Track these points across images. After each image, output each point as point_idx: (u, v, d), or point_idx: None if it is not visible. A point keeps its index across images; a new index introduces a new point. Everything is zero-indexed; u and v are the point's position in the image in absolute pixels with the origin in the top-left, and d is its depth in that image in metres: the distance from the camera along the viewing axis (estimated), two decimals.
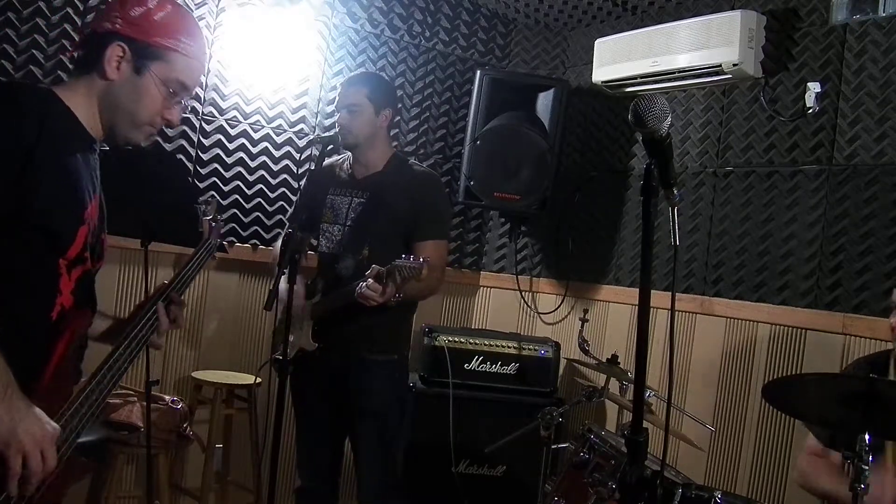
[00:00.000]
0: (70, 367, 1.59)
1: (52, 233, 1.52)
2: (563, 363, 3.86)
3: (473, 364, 3.69)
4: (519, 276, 4.35)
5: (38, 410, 1.43)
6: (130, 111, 1.64)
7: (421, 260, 2.52)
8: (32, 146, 1.46)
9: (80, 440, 1.54)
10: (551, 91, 3.94)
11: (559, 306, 4.19)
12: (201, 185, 3.57)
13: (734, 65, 3.24)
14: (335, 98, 3.04)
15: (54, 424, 1.46)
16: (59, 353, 1.54)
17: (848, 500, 1.97)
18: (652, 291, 1.54)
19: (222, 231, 3.61)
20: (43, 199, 1.48)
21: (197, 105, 3.57)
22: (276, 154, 3.79)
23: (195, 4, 3.53)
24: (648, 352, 1.54)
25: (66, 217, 1.54)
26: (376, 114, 2.90)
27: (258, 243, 3.76)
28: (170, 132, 3.50)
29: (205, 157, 3.60)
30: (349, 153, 3.02)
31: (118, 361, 1.63)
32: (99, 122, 1.63)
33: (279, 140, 3.80)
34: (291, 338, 2.84)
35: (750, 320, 3.33)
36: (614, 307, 3.93)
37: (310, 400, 2.98)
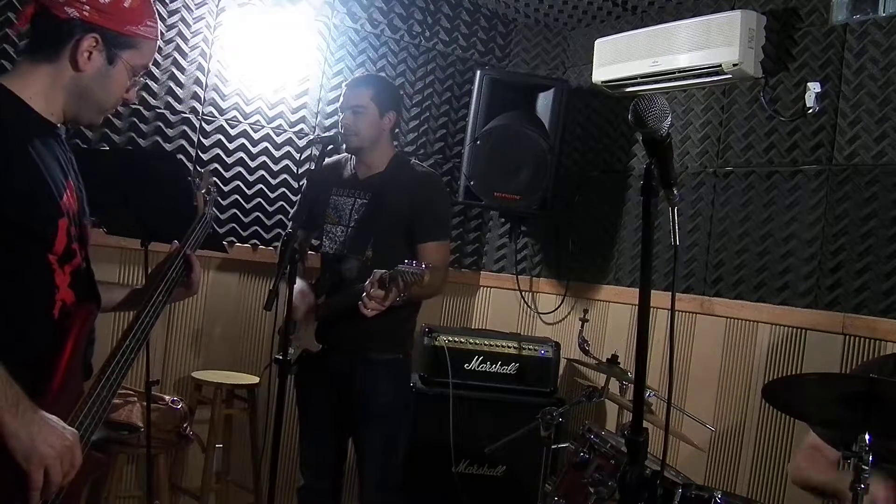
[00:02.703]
0: (80, 365, 1.57)
1: (32, 230, 1.48)
2: (563, 363, 3.86)
3: (473, 364, 3.69)
4: (519, 276, 4.35)
5: (53, 419, 1.41)
6: (99, 100, 1.60)
7: (423, 266, 2.52)
8: None
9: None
10: (551, 91, 3.94)
11: (559, 306, 4.19)
12: None
13: (734, 65, 3.24)
14: (336, 98, 3.05)
15: (72, 430, 1.44)
16: (69, 352, 1.51)
17: (839, 491, 1.99)
18: (652, 291, 1.54)
19: (222, 231, 3.62)
20: (14, 197, 1.44)
21: (197, 105, 3.57)
22: (276, 154, 3.79)
23: (195, 4, 3.53)
24: (648, 352, 1.54)
25: (41, 211, 1.49)
26: (380, 116, 2.91)
27: (258, 243, 3.76)
28: (170, 132, 3.50)
29: (205, 157, 3.60)
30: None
31: (127, 350, 1.60)
32: (60, 109, 1.58)
33: (279, 140, 3.80)
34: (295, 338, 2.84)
35: (750, 320, 3.33)
36: (614, 307, 3.93)
37: (314, 399, 2.98)
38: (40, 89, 1.54)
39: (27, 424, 1.37)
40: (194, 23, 3.54)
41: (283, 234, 3.73)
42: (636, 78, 3.65)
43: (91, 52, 1.55)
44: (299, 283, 2.79)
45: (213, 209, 2.09)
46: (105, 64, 1.57)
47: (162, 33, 3.46)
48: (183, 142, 3.54)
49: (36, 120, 1.54)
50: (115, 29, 1.56)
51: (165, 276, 1.76)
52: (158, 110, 3.49)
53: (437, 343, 3.65)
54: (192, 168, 3.55)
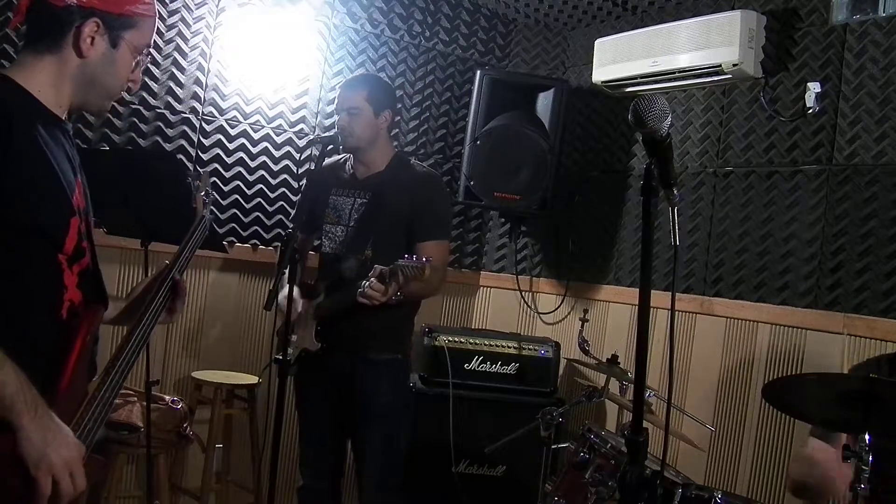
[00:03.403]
0: (86, 366, 1.57)
1: (44, 228, 1.47)
2: (563, 363, 3.86)
3: (473, 364, 3.69)
4: (519, 276, 4.35)
5: (65, 428, 1.42)
6: (107, 85, 1.58)
7: (423, 259, 2.53)
8: (6, 144, 1.40)
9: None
10: (551, 91, 3.94)
11: (559, 306, 4.19)
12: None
13: (734, 65, 3.24)
14: (335, 99, 3.05)
15: (79, 442, 1.45)
16: (76, 353, 1.51)
17: (827, 480, 2.06)
18: (652, 291, 1.54)
19: (222, 231, 3.62)
20: (28, 195, 1.43)
21: (197, 105, 3.57)
22: (276, 154, 3.79)
23: (195, 4, 3.53)
24: (648, 352, 1.54)
25: (54, 209, 1.48)
26: (376, 116, 2.90)
27: (258, 243, 3.76)
28: (170, 132, 3.50)
29: (205, 157, 3.60)
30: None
31: (127, 356, 1.60)
32: (67, 100, 1.56)
33: (279, 140, 3.80)
34: (294, 338, 2.85)
35: (750, 320, 3.33)
36: (614, 307, 3.93)
37: (314, 399, 2.98)
38: (47, 81, 1.52)
39: (42, 429, 1.37)
40: (194, 23, 3.54)
41: (284, 234, 3.73)
42: (636, 78, 3.65)
43: (94, 38, 1.53)
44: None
45: (212, 209, 2.09)
46: (109, 47, 1.55)
47: (161, 28, 3.46)
48: (183, 142, 3.54)
49: (44, 114, 1.52)
50: (114, 11, 1.54)
51: (164, 282, 1.76)
52: (158, 110, 3.49)
53: (437, 343, 3.65)
54: (192, 168, 3.55)
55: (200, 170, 3.56)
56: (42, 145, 1.47)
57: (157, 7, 1.66)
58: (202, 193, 2.02)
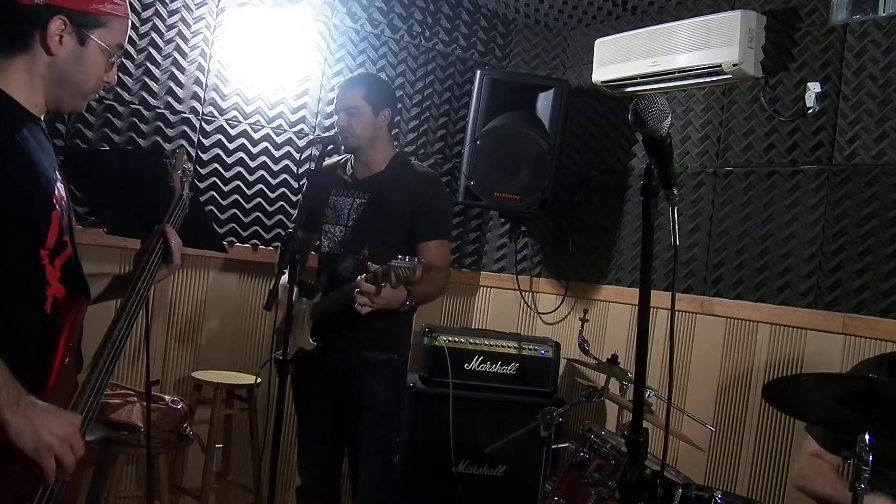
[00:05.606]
0: (73, 360, 1.58)
1: (27, 221, 1.49)
2: (563, 363, 3.86)
3: (473, 364, 3.69)
4: (519, 276, 4.35)
5: (52, 407, 1.44)
6: (77, 83, 1.60)
7: (416, 260, 2.51)
8: None
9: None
10: (551, 91, 3.94)
11: (559, 306, 4.19)
12: (201, 186, 3.57)
13: (734, 65, 3.24)
14: (335, 99, 3.05)
15: (72, 413, 1.47)
16: (62, 348, 1.52)
17: (846, 502, 1.98)
18: (652, 291, 1.54)
19: (222, 231, 3.62)
20: (10, 189, 1.45)
21: (197, 105, 3.57)
22: (276, 154, 3.79)
23: (195, 4, 3.53)
24: (648, 352, 1.54)
25: (36, 203, 1.50)
26: (375, 115, 2.90)
27: (258, 243, 3.76)
28: (170, 132, 3.50)
29: (205, 157, 3.60)
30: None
31: (115, 343, 1.61)
32: (42, 99, 1.58)
33: (279, 140, 3.80)
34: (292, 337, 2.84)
35: (750, 320, 3.33)
36: (614, 307, 3.93)
37: (311, 399, 2.98)
38: (21, 81, 1.54)
39: (30, 420, 1.38)
40: (194, 23, 3.54)
41: (284, 234, 3.73)
42: (636, 78, 3.65)
43: (61, 36, 1.54)
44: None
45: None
46: (77, 45, 1.57)
47: (161, 28, 3.46)
48: (183, 142, 3.54)
49: (22, 113, 1.54)
50: (81, 9, 1.56)
51: (148, 261, 1.76)
52: (158, 110, 3.49)
53: (437, 343, 3.65)
54: (191, 168, 3.55)
55: (202, 169, 3.57)
56: (20, 142, 1.50)
57: (127, 8, 1.67)
58: (179, 172, 2.00)
